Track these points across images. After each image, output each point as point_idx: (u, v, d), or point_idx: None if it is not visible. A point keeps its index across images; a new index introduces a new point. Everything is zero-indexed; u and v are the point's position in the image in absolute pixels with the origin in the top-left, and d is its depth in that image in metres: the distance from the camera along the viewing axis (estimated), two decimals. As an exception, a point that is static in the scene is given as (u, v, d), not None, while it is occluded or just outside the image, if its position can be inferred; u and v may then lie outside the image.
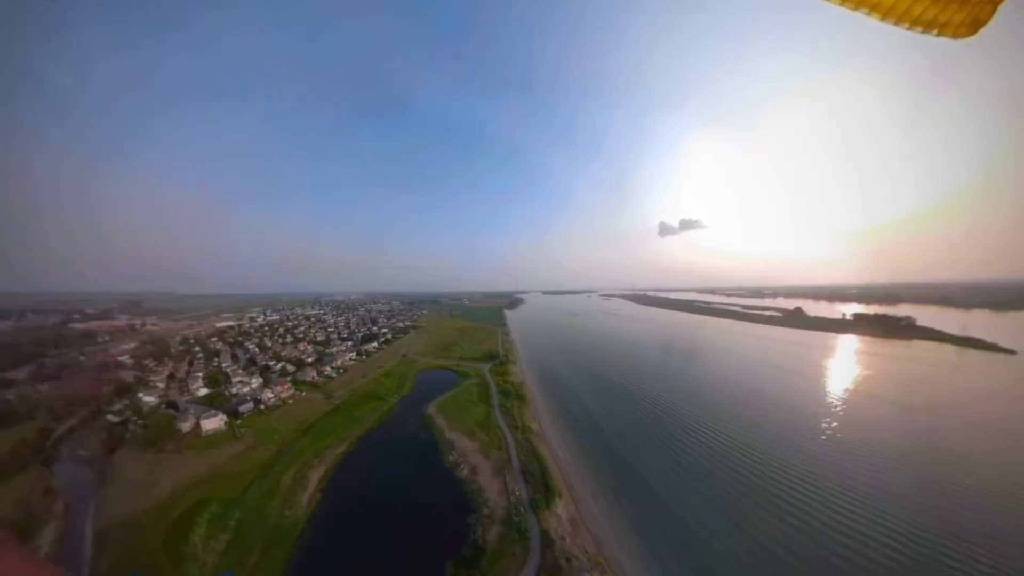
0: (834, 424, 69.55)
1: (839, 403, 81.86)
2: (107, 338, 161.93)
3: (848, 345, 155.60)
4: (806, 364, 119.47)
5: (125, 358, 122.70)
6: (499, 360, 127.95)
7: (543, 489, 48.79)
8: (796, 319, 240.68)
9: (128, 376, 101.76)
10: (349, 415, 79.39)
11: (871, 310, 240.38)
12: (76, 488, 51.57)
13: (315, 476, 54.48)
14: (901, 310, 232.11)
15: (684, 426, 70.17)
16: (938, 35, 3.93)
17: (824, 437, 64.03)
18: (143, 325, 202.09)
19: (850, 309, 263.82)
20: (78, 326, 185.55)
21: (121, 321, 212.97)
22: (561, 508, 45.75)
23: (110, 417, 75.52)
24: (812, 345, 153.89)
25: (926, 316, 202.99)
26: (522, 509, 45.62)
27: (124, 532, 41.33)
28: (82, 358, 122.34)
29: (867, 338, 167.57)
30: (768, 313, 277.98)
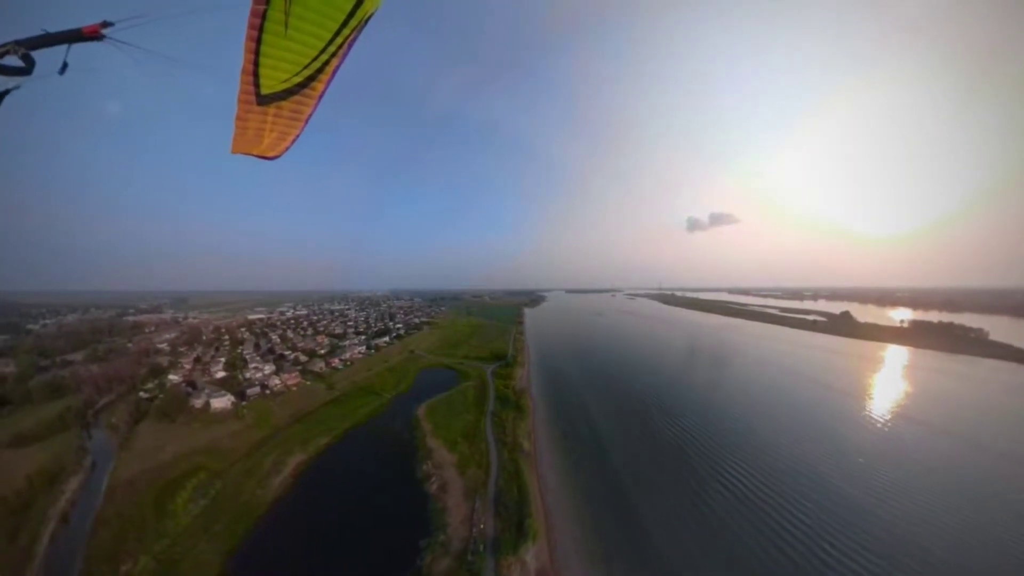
0: (904, 471, 54.89)
1: (907, 440, 66.88)
2: (152, 329, 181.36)
3: (908, 360, 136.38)
4: (862, 384, 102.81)
5: (164, 346, 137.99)
6: (505, 362, 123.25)
7: (515, 526, 41.60)
8: (844, 325, 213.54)
9: (163, 361, 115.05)
10: (344, 408, 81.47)
11: (930, 318, 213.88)
12: (104, 449, 61.82)
13: (293, 463, 56.38)
14: (965, 319, 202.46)
15: (712, 461, 57.48)
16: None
17: (892, 492, 49.88)
18: (185, 318, 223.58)
19: (904, 315, 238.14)
20: (130, 319, 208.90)
21: (167, 315, 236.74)
22: (531, 554, 38.06)
23: (142, 394, 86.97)
24: (867, 358, 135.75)
25: (997, 328, 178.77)
26: (482, 547, 39.39)
27: (128, 487, 49.48)
28: (129, 345, 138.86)
29: (929, 352, 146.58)
30: (811, 318, 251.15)
